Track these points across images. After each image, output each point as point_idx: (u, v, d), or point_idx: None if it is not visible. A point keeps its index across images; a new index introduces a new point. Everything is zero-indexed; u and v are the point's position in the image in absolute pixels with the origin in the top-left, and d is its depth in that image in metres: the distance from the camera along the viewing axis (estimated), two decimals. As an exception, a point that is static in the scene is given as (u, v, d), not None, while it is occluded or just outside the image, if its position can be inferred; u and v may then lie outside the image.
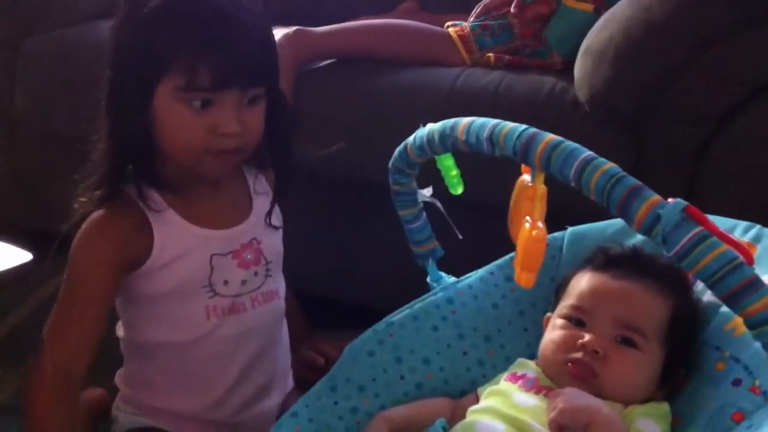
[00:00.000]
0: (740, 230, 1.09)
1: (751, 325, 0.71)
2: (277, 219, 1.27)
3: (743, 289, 0.70)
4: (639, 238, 1.15)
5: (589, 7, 1.55)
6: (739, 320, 0.93)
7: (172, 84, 1.09)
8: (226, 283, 1.21)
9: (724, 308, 1.03)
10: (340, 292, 1.72)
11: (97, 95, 1.16)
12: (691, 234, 0.72)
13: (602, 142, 1.33)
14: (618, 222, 1.18)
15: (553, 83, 1.48)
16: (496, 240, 1.08)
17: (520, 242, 0.86)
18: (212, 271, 1.20)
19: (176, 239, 1.18)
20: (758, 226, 1.08)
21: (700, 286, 1.08)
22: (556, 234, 1.20)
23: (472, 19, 1.69)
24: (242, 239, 1.22)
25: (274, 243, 1.27)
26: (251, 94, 1.12)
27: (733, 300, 0.71)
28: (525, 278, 0.86)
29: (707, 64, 1.32)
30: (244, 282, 1.22)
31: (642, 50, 1.34)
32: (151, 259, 1.17)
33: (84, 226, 1.17)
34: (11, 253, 1.36)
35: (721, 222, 1.04)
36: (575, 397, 0.92)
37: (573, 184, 0.79)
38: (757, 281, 0.70)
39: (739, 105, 1.33)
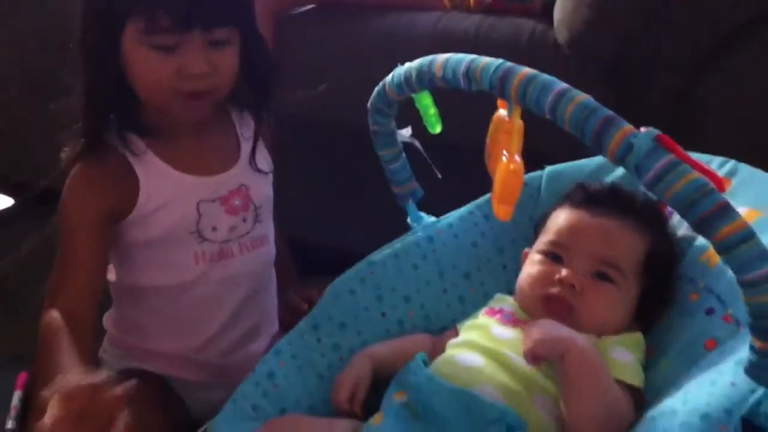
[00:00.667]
0: (716, 165, 1.10)
1: (721, 249, 0.72)
2: (266, 164, 1.28)
3: (714, 214, 0.71)
4: (616, 175, 1.17)
5: None
6: (712, 251, 0.96)
7: (135, 28, 1.10)
8: (214, 229, 1.22)
9: (699, 241, 1.06)
10: (325, 237, 1.73)
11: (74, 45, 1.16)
12: (662, 161, 0.73)
13: (583, 85, 1.34)
14: (595, 161, 1.20)
15: (533, 26, 1.48)
16: (475, 180, 1.09)
17: (498, 176, 0.87)
18: (200, 218, 1.21)
19: (162, 187, 1.19)
20: (733, 161, 1.10)
21: (675, 219, 1.10)
22: (535, 173, 1.22)
23: None
24: (230, 186, 1.23)
25: (262, 188, 1.28)
26: (218, 35, 1.12)
27: (704, 225, 0.72)
28: (503, 211, 0.87)
29: (688, 5, 1.32)
30: (232, 228, 1.24)
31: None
32: (138, 207, 1.18)
33: (69, 178, 1.18)
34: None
35: (696, 157, 1.05)
36: (550, 327, 0.94)
37: (548, 116, 0.80)
38: (727, 206, 0.71)
39: (720, 46, 1.33)
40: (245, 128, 1.27)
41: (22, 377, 1.36)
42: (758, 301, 0.73)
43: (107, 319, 1.33)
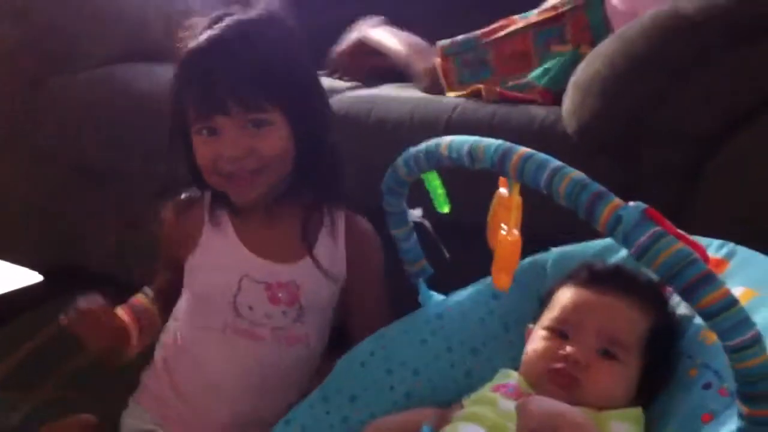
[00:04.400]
0: (714, 248, 1.14)
1: (705, 316, 0.75)
2: (336, 269, 1.32)
3: (698, 282, 0.75)
4: (620, 256, 1.21)
5: (569, 47, 1.63)
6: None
7: (186, 118, 1.24)
8: (251, 308, 1.29)
9: (697, 320, 1.08)
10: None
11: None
12: (649, 233, 0.77)
13: (592, 171, 1.39)
14: (599, 243, 1.24)
15: (544, 116, 1.54)
16: (482, 260, 1.14)
17: (498, 247, 0.92)
18: (238, 292, 1.28)
19: (218, 247, 1.30)
20: (731, 244, 1.14)
21: (676, 299, 1.13)
22: (542, 254, 1.26)
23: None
24: (280, 277, 1.29)
25: (319, 292, 1.31)
26: (252, 117, 1.21)
27: (689, 293, 0.76)
28: (502, 280, 0.91)
29: (687, 90, 1.37)
30: (269, 315, 1.29)
31: (626, 81, 1.39)
32: (192, 256, 1.31)
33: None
34: (22, 274, 1.43)
35: (695, 240, 1.09)
36: (544, 402, 0.97)
37: (544, 191, 0.85)
38: (710, 275, 0.75)
39: (723, 129, 1.37)
40: (330, 229, 1.32)
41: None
42: (743, 367, 0.76)
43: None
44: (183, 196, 1.35)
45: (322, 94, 1.31)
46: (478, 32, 1.76)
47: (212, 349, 1.30)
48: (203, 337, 1.31)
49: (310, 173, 1.26)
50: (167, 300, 1.37)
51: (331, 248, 1.31)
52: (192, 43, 1.23)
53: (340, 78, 1.94)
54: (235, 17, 1.25)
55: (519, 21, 1.73)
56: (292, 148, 1.25)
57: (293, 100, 1.24)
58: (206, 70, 1.21)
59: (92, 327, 1.26)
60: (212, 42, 1.21)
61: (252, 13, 1.29)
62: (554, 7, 1.69)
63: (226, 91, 1.19)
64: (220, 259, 1.29)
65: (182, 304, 1.35)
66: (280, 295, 1.28)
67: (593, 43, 1.55)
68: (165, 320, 1.37)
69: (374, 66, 1.95)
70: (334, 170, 1.29)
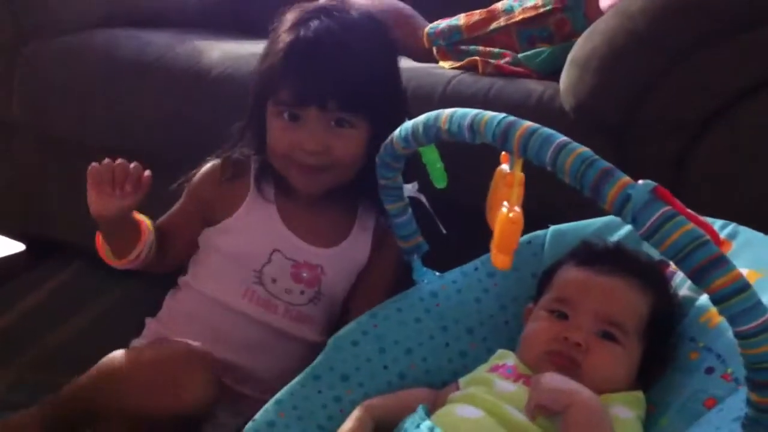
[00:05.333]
0: (716, 228, 1.11)
1: (717, 300, 0.72)
2: (359, 263, 1.35)
3: (709, 265, 0.72)
4: (620, 234, 1.18)
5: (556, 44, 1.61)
6: (713, 312, 0.97)
7: (273, 99, 1.25)
8: (274, 281, 1.31)
9: (700, 301, 1.06)
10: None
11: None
12: (659, 213, 0.74)
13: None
14: (598, 221, 1.21)
15: (542, 91, 1.50)
16: (479, 237, 1.11)
17: (497, 225, 0.88)
18: (268, 263, 1.31)
19: (256, 217, 1.32)
20: (733, 224, 1.11)
21: (677, 279, 1.10)
22: (539, 232, 1.23)
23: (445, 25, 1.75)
24: (308, 258, 1.32)
25: (340, 282, 1.34)
26: (338, 116, 1.22)
27: (699, 276, 0.72)
28: (501, 260, 0.88)
29: (687, 72, 1.34)
30: (288, 291, 1.31)
31: (625, 58, 1.36)
32: (228, 221, 1.33)
33: (205, 166, 1.37)
34: (3, 244, 1.39)
35: (698, 219, 1.06)
36: (559, 379, 0.95)
37: (549, 168, 0.82)
38: (722, 258, 0.72)
39: (719, 112, 1.35)
40: (368, 227, 1.35)
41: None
42: (754, 353, 0.73)
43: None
44: (234, 158, 1.35)
45: (407, 110, 1.30)
46: (461, 22, 1.73)
47: (224, 306, 1.32)
48: (218, 295, 1.32)
49: (368, 181, 1.23)
50: (160, 241, 1.35)
51: (358, 242, 1.35)
52: (301, 31, 1.24)
53: None
54: (344, 15, 1.27)
55: (501, 16, 1.70)
56: (363, 156, 1.26)
57: (383, 110, 1.24)
58: (314, 62, 1.22)
59: (109, 186, 1.24)
60: (324, 34, 1.23)
61: (357, 14, 1.29)
62: (534, 7, 1.66)
63: (330, 86, 1.21)
64: (257, 229, 1.32)
65: (201, 259, 1.36)
66: (303, 274, 1.31)
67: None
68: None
69: None
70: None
